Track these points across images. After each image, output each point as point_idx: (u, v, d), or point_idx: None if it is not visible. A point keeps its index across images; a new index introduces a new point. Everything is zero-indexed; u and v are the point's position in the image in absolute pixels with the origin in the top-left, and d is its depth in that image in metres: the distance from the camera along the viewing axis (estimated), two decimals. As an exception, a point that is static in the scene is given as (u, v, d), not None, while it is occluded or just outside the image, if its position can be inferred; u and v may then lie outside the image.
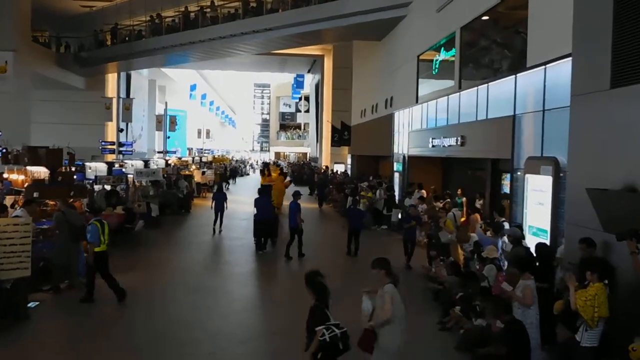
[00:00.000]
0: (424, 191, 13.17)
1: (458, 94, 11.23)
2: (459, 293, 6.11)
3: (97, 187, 11.96)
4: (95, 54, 26.34)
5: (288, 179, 16.03)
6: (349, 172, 27.76)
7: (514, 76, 8.34)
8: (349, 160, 29.29)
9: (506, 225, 7.62)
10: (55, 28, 27.28)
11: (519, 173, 8.18)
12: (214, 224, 13.29)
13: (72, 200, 8.92)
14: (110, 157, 22.63)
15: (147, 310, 7.07)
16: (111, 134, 27.61)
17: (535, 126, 7.53)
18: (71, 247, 7.76)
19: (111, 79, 29.84)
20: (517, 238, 6.32)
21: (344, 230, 11.23)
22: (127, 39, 25.90)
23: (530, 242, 6.73)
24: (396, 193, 15.61)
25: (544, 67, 7.35)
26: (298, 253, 10.39)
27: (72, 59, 26.33)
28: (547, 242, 6.73)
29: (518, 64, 8.37)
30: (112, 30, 26.48)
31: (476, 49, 10.70)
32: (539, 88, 7.46)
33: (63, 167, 9.46)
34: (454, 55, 12.02)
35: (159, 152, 33.71)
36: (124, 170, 14.45)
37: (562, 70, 6.92)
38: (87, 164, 12.75)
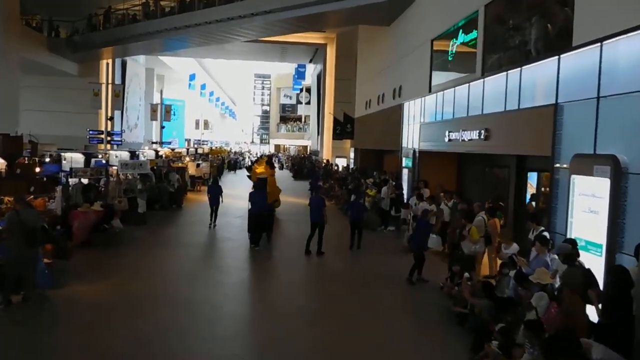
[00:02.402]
0: (427, 190, 11.93)
1: (482, 81, 9.88)
2: (499, 324, 4.85)
3: (72, 181, 10.65)
4: (88, 38, 25.14)
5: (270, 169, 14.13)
6: (351, 166, 26.51)
7: (556, 57, 6.99)
8: (351, 154, 28.03)
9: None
10: (47, 12, 25.91)
11: (556, 174, 6.89)
12: (210, 218, 12.82)
13: (31, 196, 7.64)
14: (101, 147, 21.42)
15: (113, 329, 5.86)
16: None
17: (586, 117, 6.21)
18: (26, 253, 6.53)
19: (105, 65, 28.52)
20: (570, 256, 5.04)
21: (345, 227, 10.48)
22: (120, 23, 24.65)
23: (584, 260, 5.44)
24: (405, 191, 14.33)
25: (599, 44, 6.02)
26: (317, 250, 9.83)
27: (65, 43, 25.11)
28: (602, 258, 5.47)
29: (559, 44, 7.03)
30: (105, 14, 25.23)
31: (503, 28, 9.33)
32: (592, 71, 6.13)
33: (24, 158, 8.15)
34: (473, 39, 10.67)
35: (154, 143, 32.43)
36: (104, 161, 13.13)
37: (624, 48, 5.62)
38: (62, 154, 11.42)
